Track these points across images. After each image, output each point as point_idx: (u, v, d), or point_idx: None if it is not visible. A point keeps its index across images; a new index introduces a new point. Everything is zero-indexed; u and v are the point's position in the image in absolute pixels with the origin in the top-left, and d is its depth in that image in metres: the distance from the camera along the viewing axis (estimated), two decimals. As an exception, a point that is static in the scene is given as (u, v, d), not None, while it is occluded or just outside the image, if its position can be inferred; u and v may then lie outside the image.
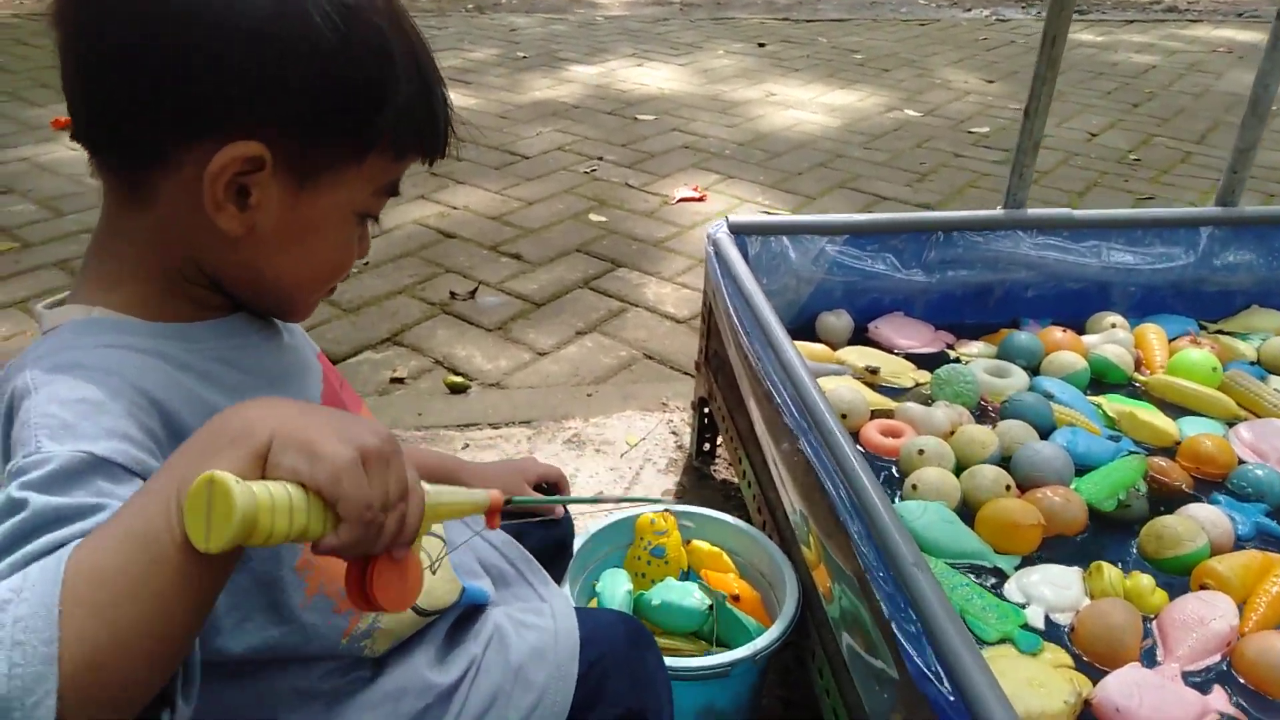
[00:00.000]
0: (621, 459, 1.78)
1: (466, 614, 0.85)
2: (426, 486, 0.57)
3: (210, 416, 0.54)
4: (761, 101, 4.06)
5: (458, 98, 3.94)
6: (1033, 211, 1.59)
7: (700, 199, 3.00)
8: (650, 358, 2.14)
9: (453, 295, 2.36)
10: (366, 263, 2.44)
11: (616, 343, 2.19)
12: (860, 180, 3.19)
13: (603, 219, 2.84)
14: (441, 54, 4.54)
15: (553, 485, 1.11)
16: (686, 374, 2.07)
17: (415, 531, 0.54)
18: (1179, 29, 5.88)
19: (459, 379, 2.01)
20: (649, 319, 2.30)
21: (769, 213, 2.89)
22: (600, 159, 3.31)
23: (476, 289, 2.39)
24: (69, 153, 3.16)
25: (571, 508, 1.25)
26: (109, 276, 0.65)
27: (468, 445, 1.81)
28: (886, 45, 5.21)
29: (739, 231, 1.53)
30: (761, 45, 5.09)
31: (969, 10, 6.31)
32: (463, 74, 4.32)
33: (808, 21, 5.80)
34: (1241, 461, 1.29)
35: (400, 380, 2.02)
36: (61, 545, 0.47)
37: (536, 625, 0.86)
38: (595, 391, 2.00)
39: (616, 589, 1.14)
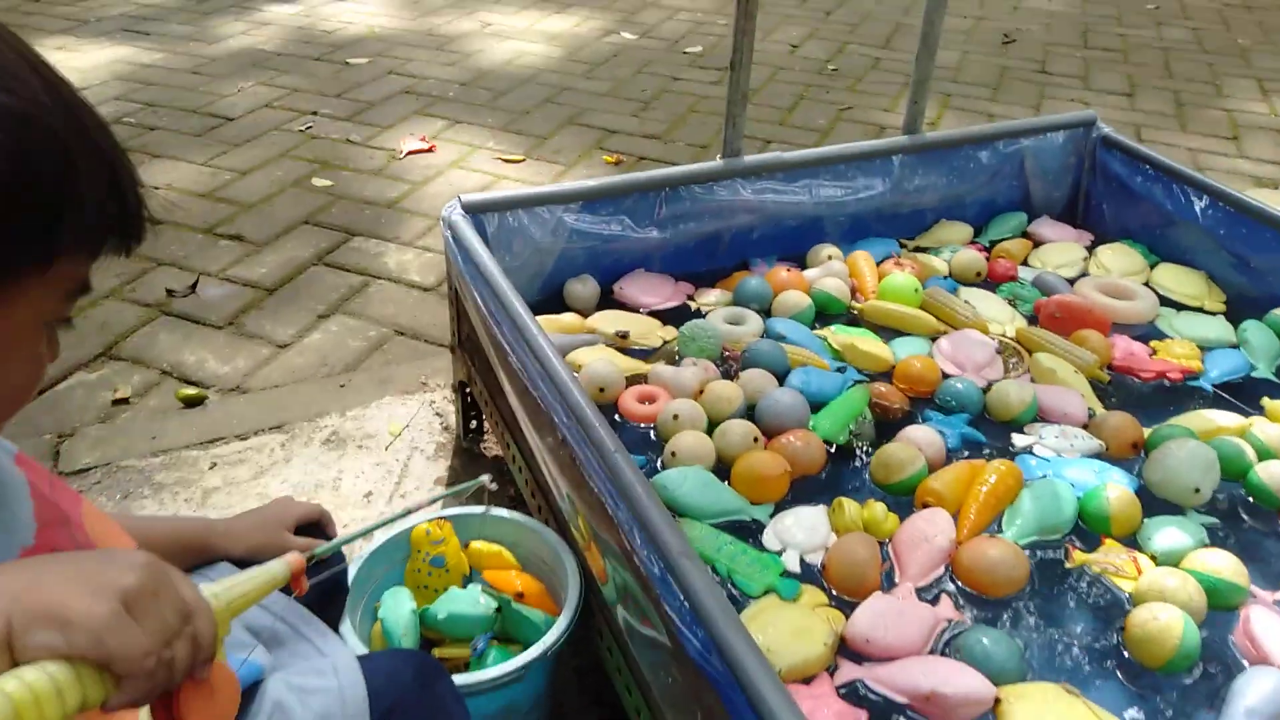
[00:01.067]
0: (387, 451, 1.73)
1: (242, 694, 0.82)
2: (210, 588, 0.53)
3: None
4: (479, 34, 3.93)
5: (137, 52, 3.53)
6: (748, 159, 1.67)
7: (430, 150, 2.89)
8: (402, 334, 2.07)
9: (170, 293, 2.15)
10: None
11: (363, 322, 2.10)
12: (588, 114, 3.20)
13: (328, 183, 2.67)
14: (110, 1, 4.00)
15: (315, 525, 1.06)
16: (444, 347, 2.02)
17: (212, 648, 0.50)
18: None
19: (193, 390, 1.86)
20: (395, 291, 2.21)
21: (504, 160, 2.84)
22: (315, 114, 3.09)
23: (197, 281, 2.19)
24: None
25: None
26: None
27: (215, 464, 1.69)
28: (596, -39, 5.17)
29: (473, 210, 1.50)
30: (469, -32, 4.89)
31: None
32: (138, 23, 3.83)
33: (514, -62, 5.62)
34: (946, 376, 1.46)
35: (124, 400, 1.83)
36: None
37: (319, 688, 0.84)
38: (348, 381, 1.92)
39: (400, 608, 1.13)
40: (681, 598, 0.89)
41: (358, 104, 3.19)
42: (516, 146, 2.95)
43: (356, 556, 1.19)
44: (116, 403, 1.83)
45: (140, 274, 2.21)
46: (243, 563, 0.93)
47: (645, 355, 1.52)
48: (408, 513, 0.84)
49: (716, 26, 4.15)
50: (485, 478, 0.92)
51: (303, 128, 2.99)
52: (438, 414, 1.83)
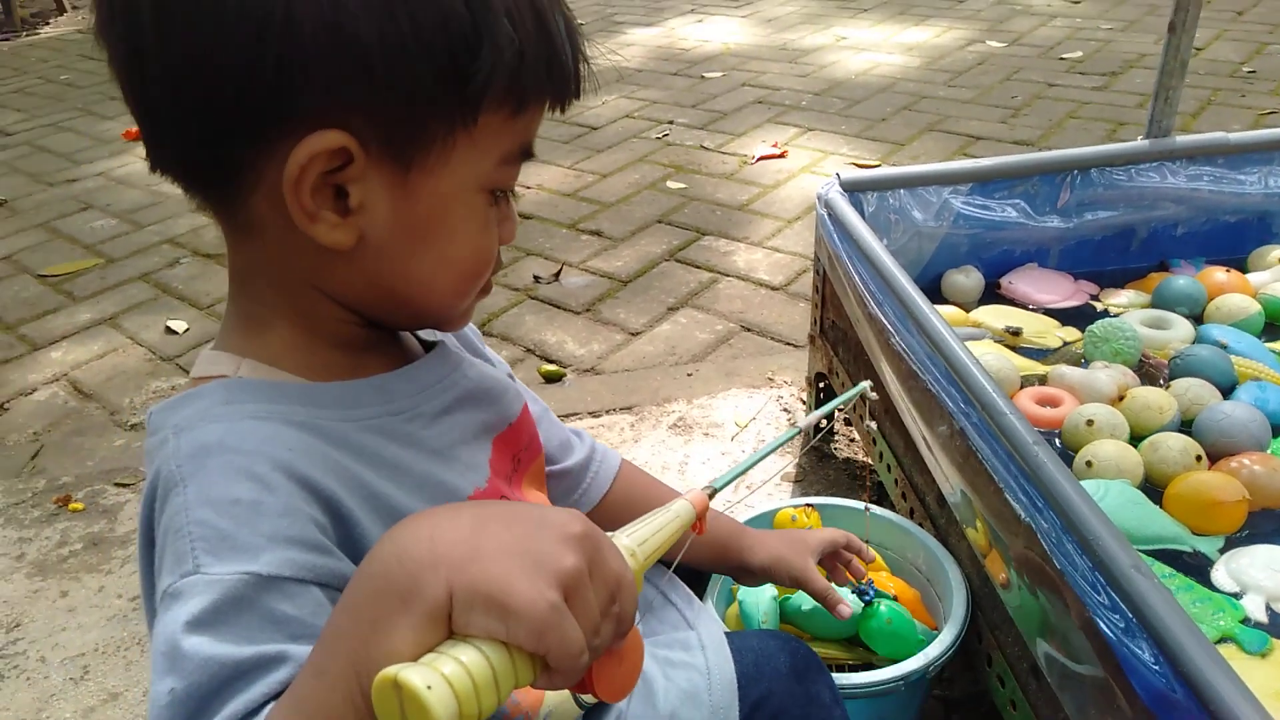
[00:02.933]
0: (733, 442, 1.67)
1: None
2: (625, 543, 0.47)
3: (370, 498, 0.48)
4: (832, 47, 3.86)
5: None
6: (1182, 139, 1.42)
7: (781, 155, 2.84)
8: (749, 330, 2.02)
9: (536, 279, 2.27)
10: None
11: (711, 316, 2.08)
12: (949, 121, 3.00)
13: (681, 185, 2.71)
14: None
15: (841, 553, 0.95)
16: (790, 345, 1.95)
17: (632, 621, 0.45)
18: (1277, -74, 5.42)
19: (553, 367, 1.93)
20: (742, 288, 2.17)
21: (858, 165, 2.72)
22: (671, 123, 3.18)
23: (560, 270, 2.29)
24: (143, 164, 3.15)
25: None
26: (251, 319, 0.57)
27: (570, 437, 1.72)
28: (957, -25, 4.91)
29: (852, 189, 1.39)
30: (824, -13, 4.85)
31: (1041, -71, 5.92)
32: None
33: (869, -42, 5.51)
34: None
35: (492, 372, 1.94)
36: (249, 713, 0.43)
37: (685, 663, 0.76)
38: (695, 370, 1.89)
39: (761, 592, 1.04)
40: (1134, 620, 0.71)
41: (711, 114, 3.24)
42: (872, 153, 2.82)
43: (715, 533, 1.12)
44: (485, 373, 1.94)
45: (511, 261, 2.36)
46: (761, 576, 0.90)
47: (1041, 356, 1.32)
48: (798, 432, 0.73)
49: (1099, 32, 3.74)
50: (866, 384, 0.79)
51: (659, 135, 3.08)
52: (784, 410, 1.74)
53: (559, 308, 2.16)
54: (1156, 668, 0.69)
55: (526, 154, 0.57)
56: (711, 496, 0.58)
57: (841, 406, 0.76)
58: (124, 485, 1.67)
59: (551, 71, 0.54)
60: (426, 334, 0.68)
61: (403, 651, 0.39)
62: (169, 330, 2.15)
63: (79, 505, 1.62)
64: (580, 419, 1.78)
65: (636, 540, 0.49)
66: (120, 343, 2.12)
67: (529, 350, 2.01)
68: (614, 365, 1.94)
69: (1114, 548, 0.75)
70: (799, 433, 0.72)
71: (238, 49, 0.48)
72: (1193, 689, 0.65)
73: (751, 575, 0.91)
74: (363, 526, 0.53)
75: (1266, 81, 3.10)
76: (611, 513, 0.88)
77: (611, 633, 0.44)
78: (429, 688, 0.37)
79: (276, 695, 0.44)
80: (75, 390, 1.97)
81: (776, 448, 0.70)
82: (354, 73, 0.49)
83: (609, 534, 0.48)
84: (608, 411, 1.79)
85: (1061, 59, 3.48)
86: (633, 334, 2.04)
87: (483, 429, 0.66)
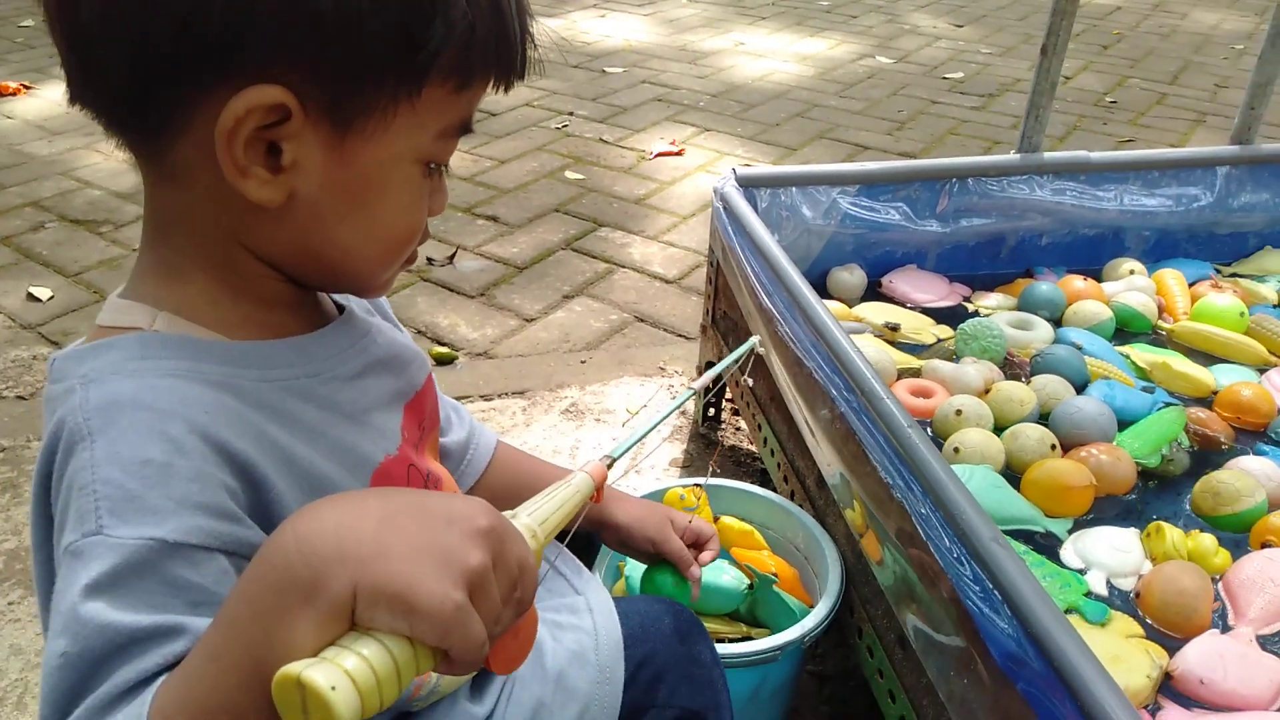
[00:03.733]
0: (624, 428, 1.70)
1: None
2: (525, 522, 0.48)
3: (285, 463, 0.48)
4: (731, 51, 3.95)
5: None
6: (1050, 155, 1.52)
7: (679, 153, 2.89)
8: (643, 320, 2.05)
9: (430, 261, 2.24)
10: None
11: (606, 305, 2.10)
12: (839, 130, 3.11)
13: (580, 176, 2.72)
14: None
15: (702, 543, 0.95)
16: (681, 336, 1.99)
17: (530, 603, 0.46)
18: (1139, -30, 5.84)
19: (445, 349, 1.91)
20: (637, 280, 2.20)
21: (749, 166, 2.79)
22: (571, 114, 3.18)
23: (455, 253, 2.27)
24: (5, 121, 2.95)
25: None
26: (168, 266, 0.55)
27: (460, 419, 1.71)
28: (852, -9, 5.09)
29: (748, 184, 1.44)
30: (725, -7, 4.95)
31: (930, -46, 6.20)
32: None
33: (769, -32, 5.65)
34: (1280, 409, 1.24)
35: (382, 353, 1.91)
36: (140, 683, 0.43)
37: (574, 625, 0.78)
38: (589, 358, 1.91)
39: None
40: (992, 588, 0.77)
41: (611, 108, 3.26)
42: (765, 156, 2.90)
43: (605, 511, 1.14)
44: (375, 354, 1.91)
45: (404, 243, 2.32)
46: (622, 531, 0.90)
47: (916, 351, 1.40)
48: (692, 394, 0.75)
49: (979, 55, 3.95)
50: (755, 339, 0.83)
51: (559, 126, 3.09)
52: (674, 398, 1.77)
53: (453, 291, 2.14)
54: (1010, 632, 0.74)
55: (465, 129, 0.57)
56: (610, 466, 0.60)
57: (733, 364, 0.79)
58: (-27, 454, 1.57)
59: (500, 49, 0.54)
60: (339, 296, 0.68)
61: (304, 645, 0.39)
62: (31, 297, 2.03)
63: (-74, 478, 1.51)
64: (472, 402, 1.77)
65: (538, 519, 0.49)
66: (-26, 304, 1.99)
67: (420, 332, 1.98)
68: (507, 350, 1.94)
69: (976, 522, 0.81)
70: (693, 394, 0.74)
71: None
72: (1042, 650, 0.71)
73: (612, 532, 0.92)
74: (277, 490, 0.53)
75: (1126, 111, 3.34)
76: (492, 487, 0.88)
77: (511, 616, 0.45)
78: (333, 688, 0.37)
79: (170, 667, 0.44)
80: (-77, 357, 1.84)
81: (672, 412, 0.72)
82: (303, 28, 0.48)
83: (511, 512, 0.48)
84: (500, 395, 1.79)
85: (944, 78, 3.66)
86: (527, 320, 2.04)
87: (394, 395, 0.66)
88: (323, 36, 0.49)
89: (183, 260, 0.55)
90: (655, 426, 0.69)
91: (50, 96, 3.17)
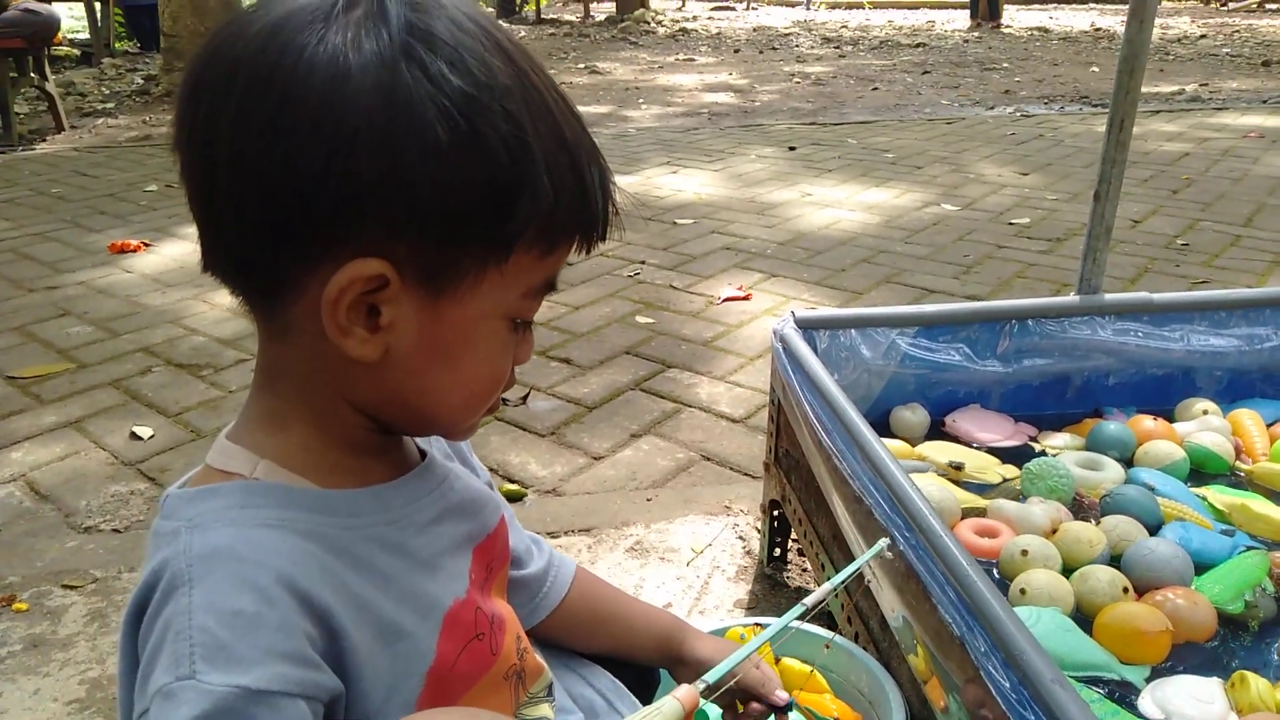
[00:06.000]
0: (688, 567, 1.70)
1: None
2: None
3: (360, 610, 0.54)
4: (798, 202, 4.09)
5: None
6: (1109, 296, 1.53)
7: (746, 298, 2.98)
8: (709, 459, 2.07)
9: (504, 402, 2.32)
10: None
11: (673, 444, 2.13)
12: (905, 274, 3.17)
13: (650, 320, 2.82)
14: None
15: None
16: (747, 475, 2.00)
17: None
18: (1206, 117, 5.92)
19: (515, 486, 1.96)
20: (704, 419, 2.24)
21: (813, 309, 2.85)
22: (643, 263, 3.32)
23: (528, 394, 2.35)
24: (125, 275, 3.22)
25: None
26: (272, 414, 0.62)
27: (527, 556, 1.74)
28: (915, 144, 5.28)
29: (806, 326, 1.49)
30: (792, 149, 5.18)
31: (992, 108, 6.41)
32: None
33: (835, 125, 5.91)
34: (1373, 554, 1.19)
35: (454, 490, 1.96)
36: None
37: None
38: (655, 496, 1.93)
39: (711, 709, 1.05)
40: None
41: (681, 256, 3.39)
42: (831, 300, 2.96)
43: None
44: (447, 491, 1.96)
45: (480, 384, 2.42)
46: (703, 664, 0.89)
47: (981, 491, 1.38)
48: (804, 610, 0.74)
49: (1045, 201, 4.01)
50: (884, 542, 0.83)
51: (631, 274, 3.22)
52: (740, 538, 1.77)
53: (524, 429, 2.20)
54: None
55: (550, 288, 0.62)
56: (705, 694, 0.60)
57: (856, 570, 0.78)
58: (71, 588, 1.64)
59: (582, 218, 0.59)
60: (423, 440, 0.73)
61: None
62: (134, 436, 2.16)
63: (23, 605, 1.59)
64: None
65: None
66: (83, 446, 2.13)
67: (492, 469, 2.03)
68: (575, 488, 1.97)
69: (1037, 663, 0.79)
70: (805, 610, 0.74)
71: (304, 179, 0.53)
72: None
73: (687, 667, 0.92)
74: (352, 639, 0.57)
75: (1198, 254, 3.33)
76: (569, 615, 0.91)
77: None
78: None
79: None
80: (32, 490, 1.96)
81: (777, 630, 0.71)
82: (402, 210, 0.54)
83: None
84: (566, 532, 1.82)
85: (1010, 224, 3.72)
86: (595, 458, 2.08)
87: (465, 539, 0.70)
88: (420, 217, 0.54)
89: (286, 409, 0.61)
90: (754, 649, 0.68)
91: (167, 253, 3.46)
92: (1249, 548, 1.21)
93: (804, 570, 1.65)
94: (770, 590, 1.62)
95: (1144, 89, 4.83)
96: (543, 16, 12.41)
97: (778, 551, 1.66)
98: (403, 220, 0.54)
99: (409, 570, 0.63)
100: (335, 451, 0.62)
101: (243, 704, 0.50)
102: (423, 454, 0.70)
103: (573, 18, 12.60)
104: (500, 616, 0.72)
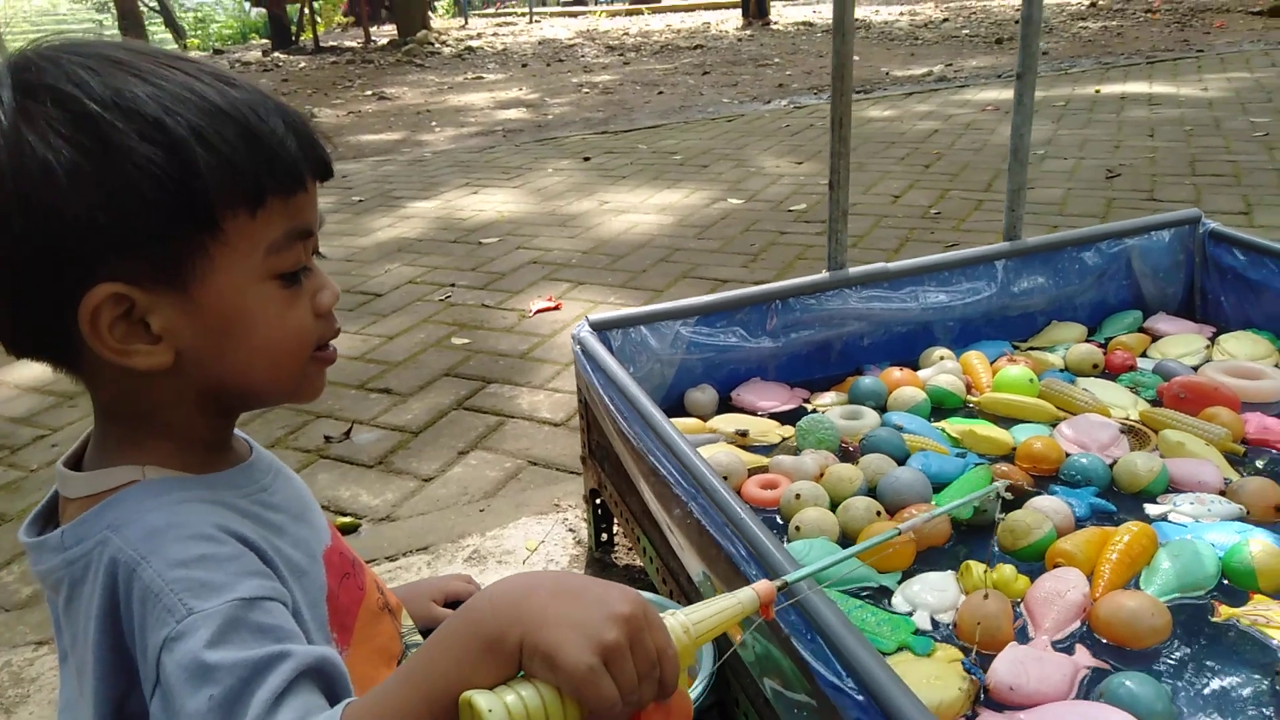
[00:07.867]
0: (524, 565, 1.82)
1: None
2: (680, 622, 0.60)
3: (275, 552, 0.63)
4: (597, 211, 4.28)
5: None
6: (853, 270, 1.78)
7: (556, 308, 3.12)
8: (535, 464, 2.20)
9: (327, 439, 2.36)
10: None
11: (500, 455, 2.24)
12: (700, 268, 3.41)
13: (466, 340, 2.91)
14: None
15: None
16: (572, 473, 2.13)
17: (674, 687, 0.58)
18: (951, 95, 6.58)
19: (348, 519, 2.01)
20: (527, 427, 2.36)
21: (615, 310, 3.03)
22: (453, 285, 3.40)
23: (350, 428, 2.40)
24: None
25: None
26: (128, 441, 0.68)
27: (369, 581, 1.80)
28: (701, 143, 5.60)
29: (600, 328, 1.64)
30: (587, 159, 5.38)
31: (769, 103, 6.86)
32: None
33: (625, 132, 6.16)
34: (1068, 454, 1.46)
35: (288, 531, 1.99)
36: (282, 690, 0.56)
37: None
38: (487, 506, 2.04)
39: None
40: (827, 651, 0.91)
41: (490, 275, 3.50)
42: (636, 300, 3.15)
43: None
44: (281, 533, 1.99)
45: (300, 425, 2.44)
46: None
47: (765, 451, 1.58)
48: (897, 532, 0.87)
49: (818, 187, 4.38)
50: (1000, 484, 0.97)
51: (442, 298, 3.29)
52: (570, 530, 1.91)
53: (351, 463, 2.25)
54: (836, 669, 0.89)
55: (302, 234, 0.66)
56: (781, 588, 0.68)
57: (976, 499, 0.94)
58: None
59: (275, 166, 0.62)
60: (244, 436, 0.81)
61: (482, 679, 0.54)
62: (-70, 530, 2.05)
63: None
64: (378, 565, 1.86)
65: (693, 620, 0.61)
66: None
67: (324, 506, 2.08)
68: (409, 511, 2.05)
69: (805, 589, 0.97)
70: (898, 533, 0.87)
71: (5, 250, 0.59)
72: (859, 681, 0.86)
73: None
74: (280, 570, 0.67)
75: (949, 220, 3.76)
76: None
77: (652, 694, 0.57)
78: (490, 710, 0.52)
79: (290, 683, 0.57)
80: None
81: (866, 549, 0.83)
82: (94, 239, 0.58)
83: (671, 610, 0.61)
84: (404, 554, 1.89)
85: (789, 211, 4.06)
86: (425, 480, 2.17)
87: (313, 500, 0.81)
88: (107, 234, 0.58)
89: (138, 434, 0.68)
90: (840, 560, 0.76)
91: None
92: (977, 464, 1.47)
93: (629, 550, 1.81)
94: (601, 572, 1.77)
95: (899, 73, 5.25)
96: (321, 45, 12.07)
97: (604, 537, 1.81)
98: (98, 245, 0.58)
99: (291, 522, 0.73)
100: (193, 451, 0.70)
101: (244, 611, 0.59)
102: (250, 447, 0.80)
103: (354, 44, 12.35)
104: (358, 560, 0.84)
